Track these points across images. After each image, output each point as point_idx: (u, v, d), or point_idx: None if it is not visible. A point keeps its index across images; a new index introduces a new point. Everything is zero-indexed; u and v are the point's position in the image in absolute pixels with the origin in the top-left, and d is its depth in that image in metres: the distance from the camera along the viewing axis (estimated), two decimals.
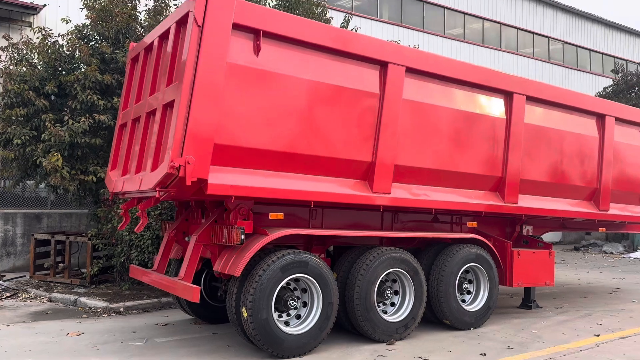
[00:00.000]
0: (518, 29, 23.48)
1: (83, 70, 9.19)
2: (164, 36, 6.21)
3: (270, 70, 5.69)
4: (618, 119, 9.18)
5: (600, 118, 8.97)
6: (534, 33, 24.01)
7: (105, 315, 7.88)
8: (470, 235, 7.37)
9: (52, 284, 9.86)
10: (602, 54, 26.76)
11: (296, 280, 5.94)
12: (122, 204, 7.10)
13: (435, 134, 6.95)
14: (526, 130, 7.80)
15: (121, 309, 8.05)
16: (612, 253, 19.56)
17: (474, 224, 7.79)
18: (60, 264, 10.04)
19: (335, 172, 6.22)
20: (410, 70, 6.68)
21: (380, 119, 6.43)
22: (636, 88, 21.52)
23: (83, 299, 8.48)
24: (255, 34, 5.61)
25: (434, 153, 6.93)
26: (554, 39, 24.76)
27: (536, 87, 8.12)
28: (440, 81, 7.04)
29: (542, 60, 24.30)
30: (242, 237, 5.62)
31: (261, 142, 5.62)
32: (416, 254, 7.01)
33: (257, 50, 5.62)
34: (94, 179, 9.23)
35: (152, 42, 6.50)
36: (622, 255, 18.69)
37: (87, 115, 8.91)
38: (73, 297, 8.65)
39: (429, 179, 6.96)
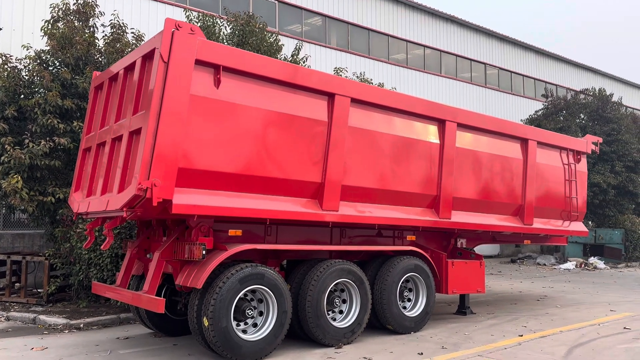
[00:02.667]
0: (457, 55, 25.05)
1: (43, 94, 9.50)
2: (129, 68, 6.74)
3: (229, 101, 6.32)
4: (540, 143, 10.31)
5: (524, 142, 10.05)
6: (471, 60, 25.66)
7: (66, 331, 8.16)
8: (409, 247, 8.18)
9: (8, 304, 9.97)
10: (534, 79, 28.81)
11: (253, 291, 6.51)
12: (86, 224, 7.48)
13: (377, 157, 7.74)
14: (458, 154, 8.73)
15: (82, 325, 8.35)
16: (544, 265, 21.02)
17: (413, 238, 8.61)
18: (17, 284, 10.17)
19: (289, 192, 6.88)
20: (354, 101, 7.47)
21: (329, 143, 7.16)
22: (564, 111, 23.36)
23: (42, 317, 8.71)
24: (216, 68, 6.24)
25: (377, 174, 7.72)
26: (490, 65, 26.52)
27: (465, 115, 9.10)
28: (382, 110, 7.86)
29: (479, 85, 25.96)
30: (204, 252, 6.17)
31: (221, 165, 6.22)
32: (362, 266, 7.73)
33: (217, 83, 6.25)
34: (53, 199, 9.50)
35: (118, 73, 7.01)
36: (554, 267, 20.16)
37: (47, 138, 9.22)
38: (32, 315, 8.85)
39: (372, 197, 7.73)
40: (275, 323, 6.49)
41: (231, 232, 6.64)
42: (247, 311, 6.39)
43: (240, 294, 6.27)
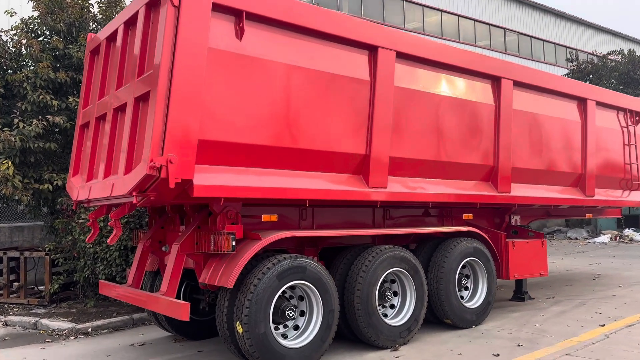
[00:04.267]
0: (475, 20, 23.60)
1: (33, 67, 8.29)
2: (130, 22, 5.52)
3: (256, 56, 5.11)
4: (598, 103, 9.06)
5: (582, 102, 8.81)
6: (490, 24, 24.20)
7: (72, 337, 7.07)
8: (467, 228, 7.01)
9: (6, 306, 8.90)
10: (555, 44, 27.32)
11: (292, 287, 5.39)
12: (88, 214, 6.34)
13: (427, 123, 6.55)
14: (515, 117, 7.51)
15: (89, 330, 7.26)
16: (576, 239, 19.87)
17: (470, 216, 7.45)
18: (15, 283, 9.10)
19: (329, 167, 5.71)
20: (401, 56, 6.24)
21: (373, 107, 5.96)
22: (590, 76, 21.97)
23: (45, 321, 7.63)
24: (238, 15, 5.02)
25: (427, 143, 6.53)
26: (509, 30, 25.06)
27: (521, 71, 7.87)
28: (430, 66, 6.63)
29: (498, 52, 24.52)
30: (233, 243, 5.02)
31: (249, 136, 5.04)
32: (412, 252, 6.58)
33: (240, 33, 5.03)
34: (50, 187, 8.36)
35: (116, 30, 5.80)
36: (588, 241, 19.00)
37: (40, 117, 8.03)
38: (33, 319, 7.77)
39: (422, 170, 6.55)
40: (321, 325, 5.37)
41: (265, 218, 5.49)
42: (287, 312, 5.26)
43: (279, 292, 5.14)
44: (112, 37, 5.97)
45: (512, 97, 7.48)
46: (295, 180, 5.43)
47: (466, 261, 6.87)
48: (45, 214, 9.65)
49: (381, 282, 5.96)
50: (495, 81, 7.34)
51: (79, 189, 6.05)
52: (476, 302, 6.94)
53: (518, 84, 7.62)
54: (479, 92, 7.17)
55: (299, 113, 5.41)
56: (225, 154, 4.91)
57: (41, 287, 9.48)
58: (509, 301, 8.35)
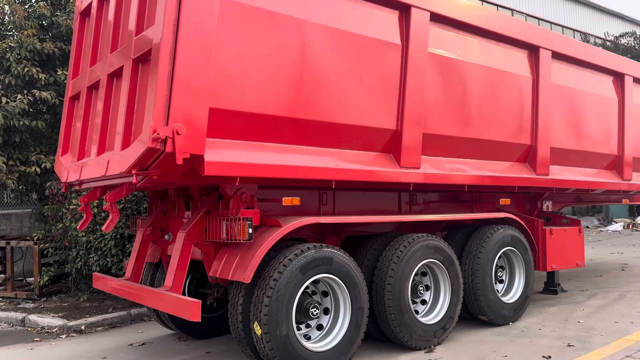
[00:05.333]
0: (482, 0, 22.75)
1: (17, 37, 7.47)
2: None
3: (275, 11, 4.35)
4: (636, 79, 8.34)
5: (619, 77, 8.09)
6: (497, 5, 23.36)
7: (63, 336, 6.35)
8: (503, 214, 6.29)
9: None
10: (562, 26, 26.50)
11: (315, 282, 4.68)
12: (80, 197, 5.59)
13: (462, 95, 5.81)
14: (554, 92, 6.79)
15: (83, 327, 6.53)
16: (588, 227, 19.25)
17: (507, 201, 6.75)
18: (1, 275, 8.34)
19: (356, 144, 4.98)
20: (435, 17, 5.49)
21: (405, 76, 5.22)
22: None
23: (33, 317, 6.90)
24: None
25: (462, 118, 5.80)
26: (517, 11, 24.22)
27: (560, 41, 7.12)
28: (464, 31, 5.89)
29: None
30: (250, 230, 4.28)
31: (267, 105, 4.30)
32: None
33: None
34: (38, 170, 7.59)
35: None
36: (600, 229, 18.39)
37: (25, 92, 7.23)
38: (20, 315, 7.03)
39: (457, 150, 5.83)
40: (349, 324, 4.67)
41: (286, 201, 4.74)
42: (311, 310, 4.55)
43: (303, 287, 4.42)
44: None
45: (551, 69, 6.75)
46: (319, 158, 4.70)
47: (502, 251, 6.16)
48: (33, 200, 8.89)
49: (414, 276, 5.26)
50: (533, 51, 6.60)
51: (68, 169, 5.29)
52: (513, 297, 6.25)
53: (556, 55, 6.89)
54: (517, 63, 6.44)
55: (323, 80, 4.66)
56: (240, 126, 4.16)
57: (30, 279, 8.75)
58: (540, 294, 7.68)
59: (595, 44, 22.14)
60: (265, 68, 4.29)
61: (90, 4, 5.44)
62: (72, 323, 6.56)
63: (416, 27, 5.28)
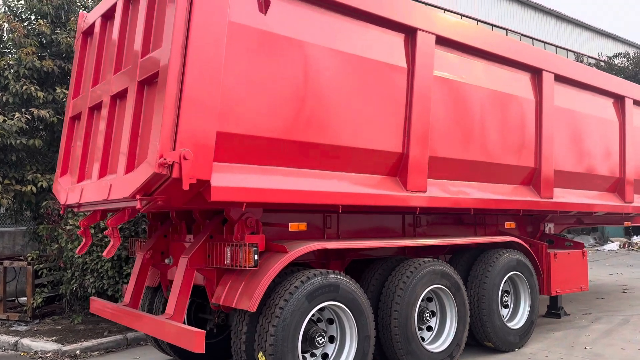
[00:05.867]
0: (477, 20, 22.96)
1: (16, 55, 7.38)
2: None
3: (282, 34, 4.30)
4: (635, 102, 8.37)
5: (619, 100, 8.10)
6: (492, 25, 23.59)
7: None
8: (509, 238, 6.22)
9: None
10: (556, 46, 26.78)
11: (320, 309, 4.56)
12: (78, 220, 5.46)
13: (468, 118, 5.77)
14: (556, 114, 6.78)
15: (78, 352, 6.35)
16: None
17: (512, 225, 6.70)
18: None
19: (362, 167, 4.91)
20: (441, 40, 5.46)
21: (411, 99, 5.17)
22: None
23: (26, 341, 6.70)
24: None
25: (467, 140, 5.76)
26: (511, 30, 24.45)
27: (562, 63, 7.13)
28: (469, 54, 5.87)
29: None
30: (256, 257, 4.18)
31: (274, 129, 4.22)
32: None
33: (265, 6, 4.21)
34: (34, 189, 7.46)
35: (114, 5, 4.95)
36: (596, 248, 18.37)
37: (23, 110, 7.13)
38: (13, 339, 6.83)
39: (462, 173, 5.77)
40: (355, 354, 4.56)
41: (293, 227, 4.64)
42: (316, 339, 4.43)
43: (309, 316, 4.31)
44: (109, 14, 5.12)
45: (554, 92, 6.75)
46: (326, 182, 4.62)
47: (508, 276, 6.08)
48: (28, 218, 8.72)
49: (420, 301, 5.16)
50: (536, 74, 6.60)
51: (68, 191, 5.17)
52: (518, 322, 6.16)
53: (558, 78, 6.89)
54: (520, 86, 6.42)
55: (330, 103, 4.60)
56: (247, 150, 4.09)
57: (22, 299, 8.53)
58: (543, 317, 7.58)
59: (589, 64, 22.38)
60: (273, 91, 4.23)
61: (93, 23, 5.37)
62: (67, 348, 6.38)
63: (422, 50, 5.26)
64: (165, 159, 3.55)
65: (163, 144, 3.61)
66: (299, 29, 4.44)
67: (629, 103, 8.16)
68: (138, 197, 3.81)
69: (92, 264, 7.03)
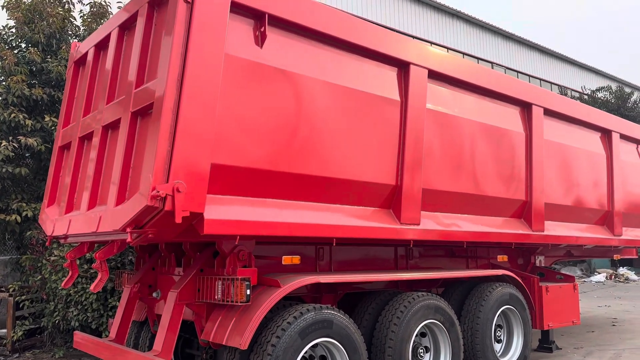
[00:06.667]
0: (463, 54, 23.41)
1: (4, 82, 7.31)
2: (126, 25, 4.69)
3: (278, 67, 4.30)
4: (622, 136, 8.49)
5: (606, 134, 8.22)
6: (477, 58, 24.05)
7: None
8: (502, 271, 6.19)
9: None
10: (540, 79, 27.34)
11: (313, 345, 4.45)
12: (64, 252, 5.33)
13: (459, 151, 5.79)
14: (546, 148, 6.84)
15: None
16: None
17: (505, 258, 6.68)
18: None
19: (355, 200, 4.87)
20: (432, 75, 5.51)
21: (405, 131, 5.18)
22: None
23: None
24: (259, 18, 4.22)
25: (460, 173, 5.76)
26: (497, 64, 24.95)
27: (551, 98, 7.24)
28: (462, 88, 5.92)
29: None
30: (248, 292, 4.08)
31: (268, 161, 4.18)
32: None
33: (261, 39, 4.22)
34: (18, 218, 7.29)
35: (108, 36, 4.93)
36: (583, 280, 18.41)
37: (11, 138, 7.02)
38: None
39: (455, 205, 5.75)
40: None
41: (286, 260, 4.57)
42: None
43: (302, 353, 4.19)
44: (102, 45, 5.10)
45: (543, 126, 6.82)
46: (319, 214, 4.56)
47: (501, 310, 6.03)
48: (10, 247, 8.51)
49: (414, 337, 5.07)
50: (525, 108, 6.68)
51: (55, 221, 5.05)
52: (512, 357, 6.10)
53: (548, 112, 6.97)
54: (510, 119, 6.49)
55: (324, 135, 4.58)
56: (241, 182, 4.03)
57: (2, 332, 8.26)
58: (535, 351, 7.49)
59: (573, 97, 22.84)
60: (267, 123, 4.20)
61: (86, 53, 5.35)
62: None
63: (415, 84, 5.29)
64: (158, 192, 3.48)
65: (156, 176, 3.54)
66: (295, 62, 4.45)
67: (615, 137, 8.27)
68: (129, 230, 3.72)
69: (77, 296, 6.85)
